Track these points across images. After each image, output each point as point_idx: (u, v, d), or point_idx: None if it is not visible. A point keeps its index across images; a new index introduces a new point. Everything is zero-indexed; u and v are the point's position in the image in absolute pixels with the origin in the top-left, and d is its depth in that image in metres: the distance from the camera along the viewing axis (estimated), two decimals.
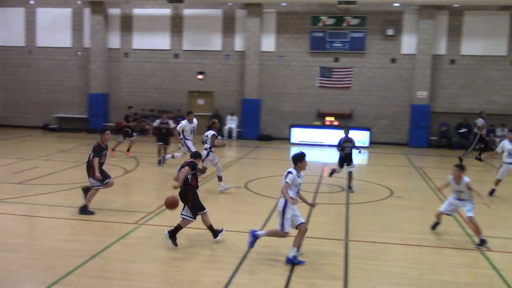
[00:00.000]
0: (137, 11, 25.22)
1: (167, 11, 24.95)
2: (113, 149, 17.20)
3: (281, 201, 7.81)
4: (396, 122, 23.65)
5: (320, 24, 23.61)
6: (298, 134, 23.07)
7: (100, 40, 25.23)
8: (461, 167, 9.21)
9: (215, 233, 8.73)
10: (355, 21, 23.34)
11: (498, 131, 22.35)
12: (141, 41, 25.32)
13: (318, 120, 23.68)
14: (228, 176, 15.29)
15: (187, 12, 24.80)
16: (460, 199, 9.33)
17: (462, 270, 7.87)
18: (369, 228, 10.01)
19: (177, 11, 24.89)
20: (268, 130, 24.50)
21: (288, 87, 24.35)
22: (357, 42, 23.46)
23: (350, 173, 13.17)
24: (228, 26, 24.59)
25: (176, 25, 25.00)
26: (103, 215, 10.13)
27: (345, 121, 23.41)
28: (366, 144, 22.35)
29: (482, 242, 8.83)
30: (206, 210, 8.64)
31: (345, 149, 13.23)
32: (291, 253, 7.76)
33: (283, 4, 23.75)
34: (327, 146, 22.23)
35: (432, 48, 22.76)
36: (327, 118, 23.29)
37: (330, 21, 23.51)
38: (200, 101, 25.42)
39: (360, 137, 22.44)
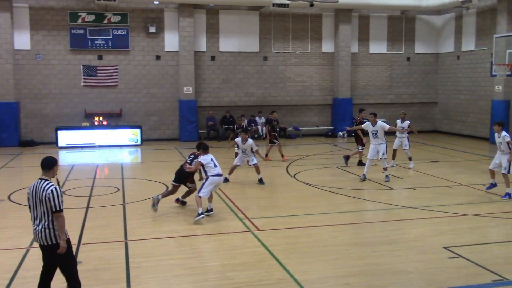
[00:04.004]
0: None
1: None
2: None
3: None
4: (166, 118, 24.11)
5: (80, 21, 22.57)
6: (65, 137, 21.73)
7: None
8: None
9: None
10: (116, 18, 22.93)
11: (257, 119, 24.52)
12: None
13: (86, 121, 22.69)
14: None
15: None
16: None
17: (237, 252, 8.46)
18: (148, 226, 10.05)
19: None
20: (31, 135, 22.56)
21: (49, 88, 22.74)
22: (120, 39, 23.13)
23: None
24: None
25: None
26: None
27: (115, 120, 22.98)
28: (138, 142, 22.29)
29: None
30: None
31: None
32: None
33: None
34: (99, 147, 21.54)
35: (193, 45, 23.74)
36: (96, 118, 22.48)
37: (90, 18, 22.65)
38: None
39: (131, 135, 22.34)
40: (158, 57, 23.77)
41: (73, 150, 21.11)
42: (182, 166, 11.05)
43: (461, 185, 13.62)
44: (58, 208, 5.84)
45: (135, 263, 7.89)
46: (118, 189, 13.34)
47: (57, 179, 6.35)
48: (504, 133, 12.00)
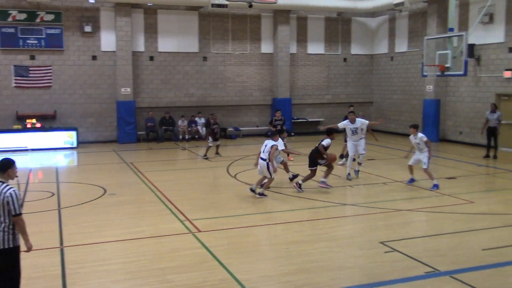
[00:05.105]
0: None
1: None
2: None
3: None
4: (103, 120, 23.51)
5: (10, 19, 21.60)
6: None
7: None
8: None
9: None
10: (49, 17, 22.11)
11: (197, 120, 24.36)
12: None
13: (18, 123, 21.74)
14: None
15: None
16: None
17: (178, 254, 8.37)
18: (85, 231, 9.77)
19: None
20: None
21: None
22: (54, 39, 22.32)
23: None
24: None
25: None
26: None
27: (49, 122, 22.17)
28: (74, 144, 21.61)
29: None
30: None
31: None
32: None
33: None
34: (32, 151, 20.72)
35: (131, 45, 23.28)
36: (28, 121, 21.58)
37: (21, 16, 21.71)
38: None
39: (67, 138, 21.62)
40: (94, 57, 23.14)
41: (4, 154, 20.15)
42: (313, 150, 12.72)
43: (395, 182, 14.12)
44: (17, 212, 5.78)
45: (71, 270, 7.65)
46: (53, 194, 12.88)
47: (17, 181, 6.15)
48: (420, 134, 13.21)
